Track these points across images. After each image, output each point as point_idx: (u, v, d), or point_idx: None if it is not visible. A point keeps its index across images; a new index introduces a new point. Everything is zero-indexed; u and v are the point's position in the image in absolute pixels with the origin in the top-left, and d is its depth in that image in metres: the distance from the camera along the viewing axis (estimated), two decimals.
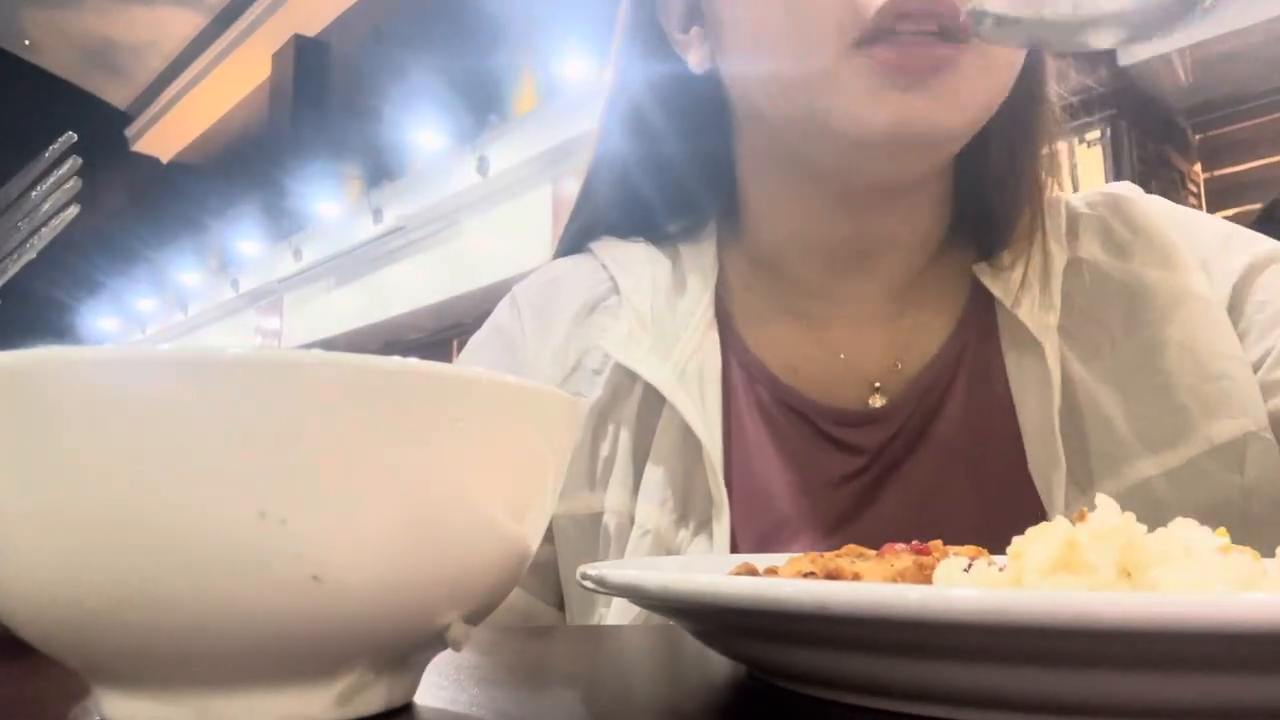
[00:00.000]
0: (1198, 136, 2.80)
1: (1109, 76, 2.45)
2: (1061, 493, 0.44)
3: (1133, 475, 0.45)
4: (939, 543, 0.31)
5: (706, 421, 0.47)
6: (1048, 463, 0.45)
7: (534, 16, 4.81)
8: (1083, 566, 0.22)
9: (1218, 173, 2.79)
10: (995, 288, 0.49)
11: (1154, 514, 0.44)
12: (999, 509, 0.46)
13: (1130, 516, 0.24)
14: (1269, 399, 0.45)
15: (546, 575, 0.51)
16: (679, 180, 0.54)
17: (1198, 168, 2.82)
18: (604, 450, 0.49)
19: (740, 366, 0.51)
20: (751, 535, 0.47)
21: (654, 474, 0.48)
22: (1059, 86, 0.51)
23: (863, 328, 0.51)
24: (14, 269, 0.33)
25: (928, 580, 0.26)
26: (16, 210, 0.33)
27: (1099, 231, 0.51)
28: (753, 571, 0.30)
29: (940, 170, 0.48)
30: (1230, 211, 2.73)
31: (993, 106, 0.45)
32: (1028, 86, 0.48)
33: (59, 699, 0.26)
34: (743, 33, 0.46)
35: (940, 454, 0.48)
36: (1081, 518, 0.24)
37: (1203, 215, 0.53)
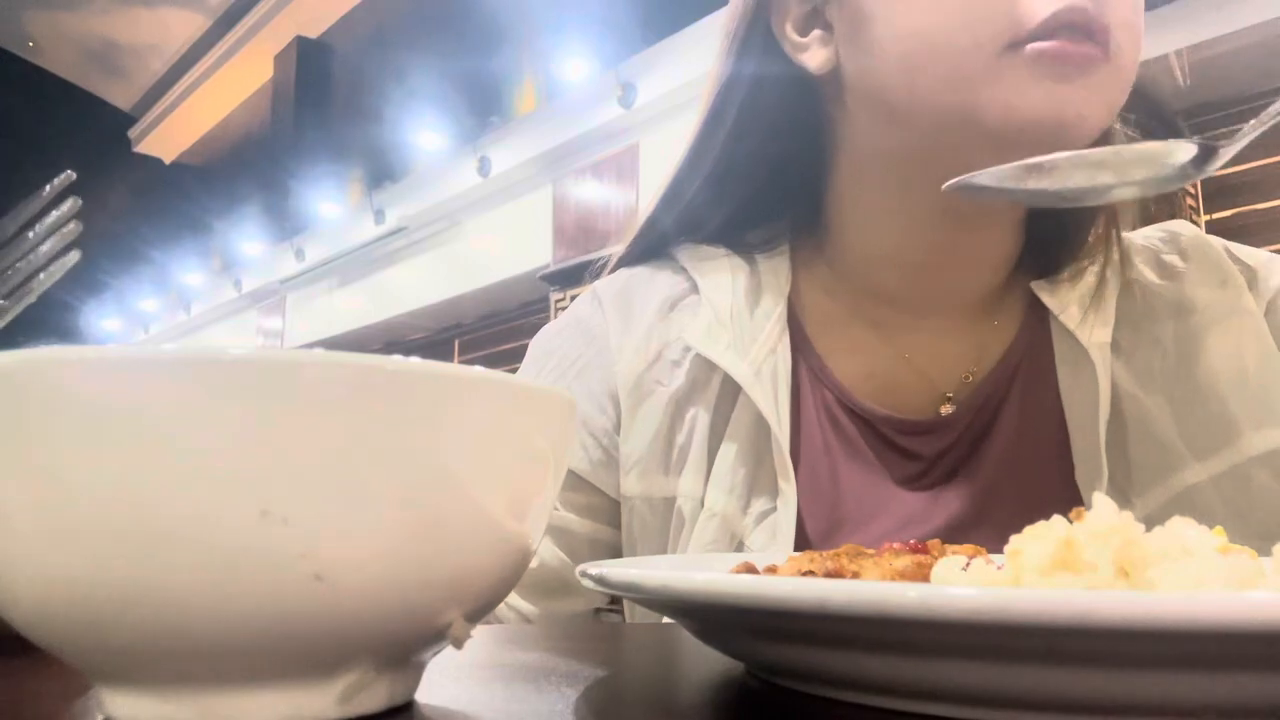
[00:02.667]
0: (1197, 137, 2.80)
1: None
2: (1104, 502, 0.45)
3: (1178, 484, 0.46)
4: (936, 542, 0.31)
5: (779, 415, 0.49)
6: (1092, 474, 0.47)
7: (534, 17, 4.81)
8: (1081, 565, 0.22)
9: (1215, 174, 2.79)
10: (1052, 303, 0.51)
11: (1199, 522, 0.45)
12: (1047, 518, 0.47)
13: (1128, 516, 0.24)
14: None
15: (608, 558, 0.53)
16: (767, 190, 0.56)
17: None
18: (680, 437, 0.51)
19: (809, 372, 0.53)
20: (816, 530, 0.49)
21: (725, 459, 0.50)
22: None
23: (939, 339, 0.53)
24: (15, 311, 0.33)
25: (926, 579, 0.26)
26: (14, 250, 0.33)
27: (1152, 259, 0.54)
28: (752, 570, 0.30)
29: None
30: (1228, 212, 2.73)
31: (1114, 114, 0.46)
32: None
33: (61, 697, 0.26)
34: (895, 32, 0.46)
35: (994, 462, 0.50)
36: (1079, 517, 0.24)
37: (1243, 247, 0.56)
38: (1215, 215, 2.78)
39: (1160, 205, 2.53)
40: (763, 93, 0.53)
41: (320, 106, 7.28)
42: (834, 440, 0.51)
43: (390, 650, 0.22)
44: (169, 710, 0.20)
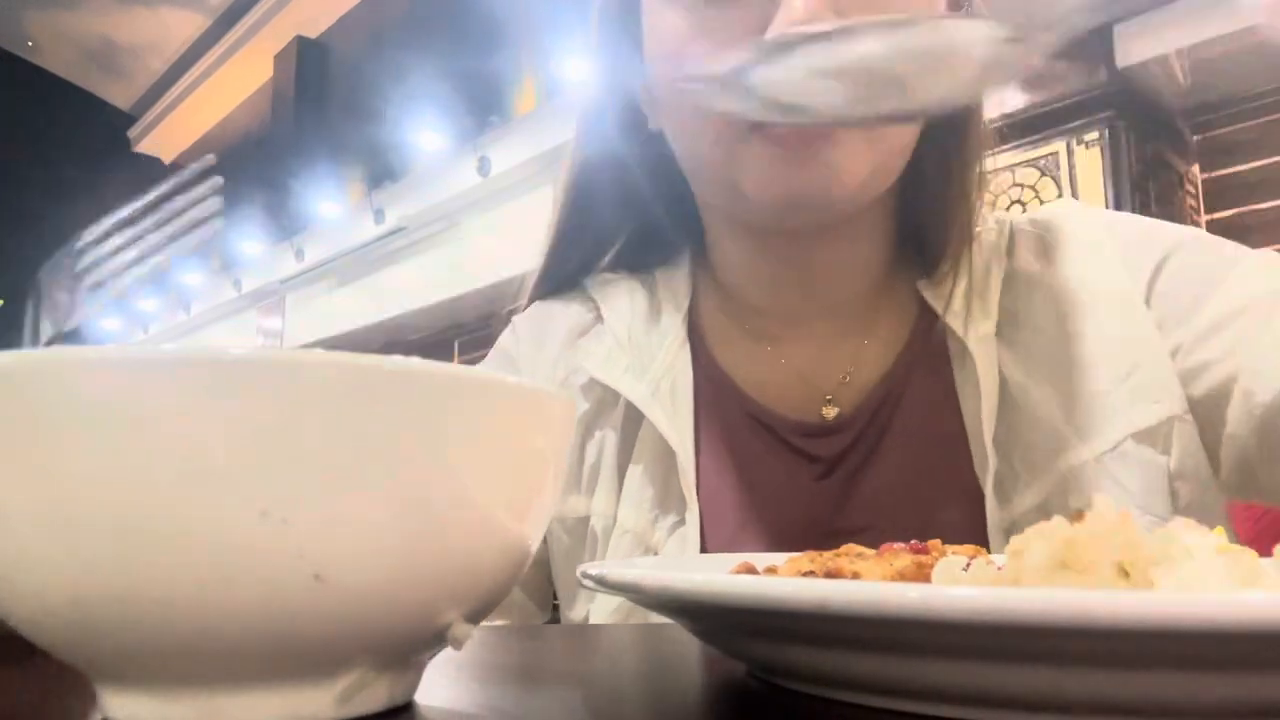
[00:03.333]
0: (1196, 138, 2.80)
1: (1107, 78, 2.45)
2: (989, 490, 0.47)
3: (1064, 465, 0.47)
4: (938, 542, 0.31)
5: (679, 430, 0.52)
6: (982, 464, 0.48)
7: (534, 17, 4.81)
8: (1081, 565, 0.22)
9: (1216, 174, 2.79)
10: (936, 303, 0.53)
11: (1089, 494, 0.45)
12: (949, 511, 0.49)
13: (1129, 516, 0.24)
14: (1185, 387, 0.48)
15: (539, 573, 0.57)
16: (654, 219, 0.59)
17: (1196, 169, 2.82)
18: (590, 458, 0.54)
19: (709, 382, 0.55)
20: (720, 535, 0.51)
21: (634, 479, 0.52)
22: (1044, 92, 0.55)
23: (814, 346, 0.55)
24: (139, 272, 0.33)
25: (927, 579, 0.26)
26: (149, 218, 0.33)
27: (1033, 243, 0.55)
28: (752, 570, 0.30)
29: (868, 206, 0.51)
30: (1228, 212, 2.73)
31: (889, 166, 0.48)
32: (951, 118, 0.51)
33: (60, 697, 0.26)
34: (662, 118, 0.52)
35: (894, 461, 0.51)
36: (1080, 517, 0.24)
37: (1129, 215, 0.56)
38: (1216, 215, 2.78)
39: (1161, 207, 2.53)
40: (628, 135, 0.57)
41: (320, 106, 7.28)
42: (738, 448, 0.53)
43: (390, 650, 0.22)
44: (168, 710, 0.20)
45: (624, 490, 0.52)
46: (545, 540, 0.55)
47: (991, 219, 0.56)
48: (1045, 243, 0.55)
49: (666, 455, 0.52)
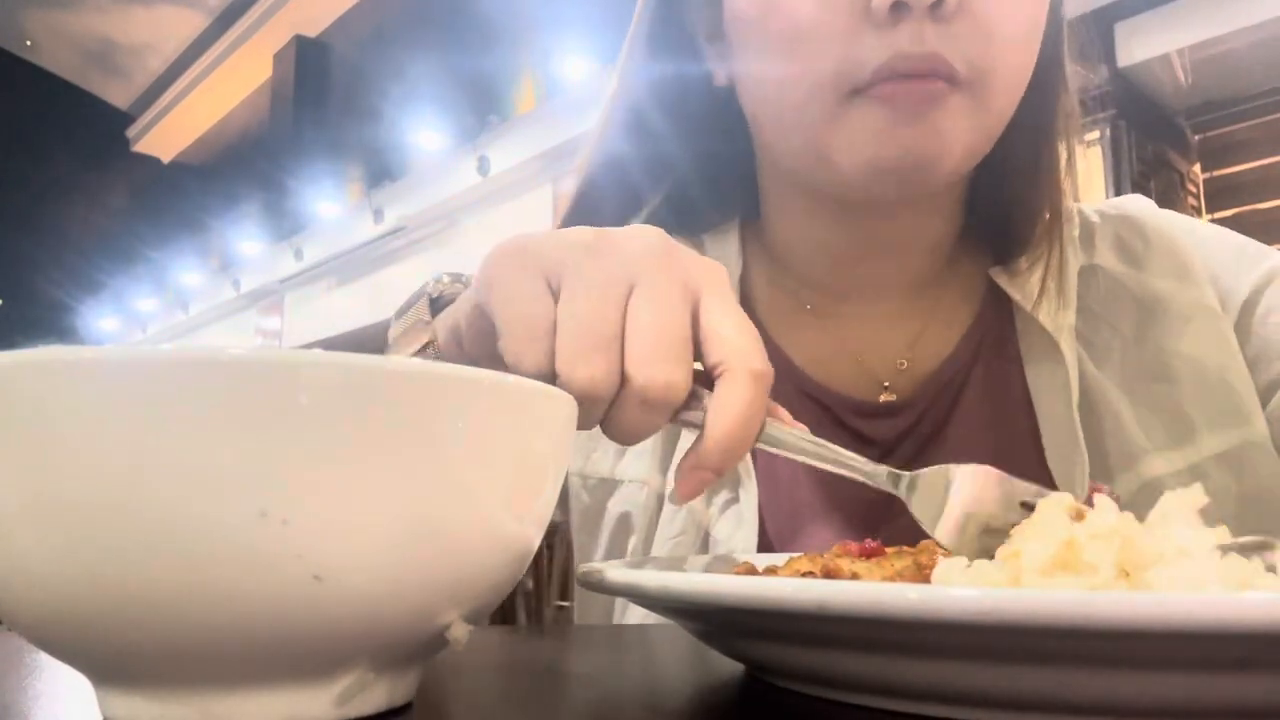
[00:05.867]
0: (1197, 137, 2.80)
1: (1108, 77, 2.45)
2: (1085, 484, 0.46)
3: (1146, 472, 0.47)
4: (931, 543, 0.31)
5: None
6: (1069, 457, 0.47)
7: (534, 16, 4.81)
8: (1081, 566, 0.22)
9: (1217, 173, 2.79)
10: (1013, 290, 0.50)
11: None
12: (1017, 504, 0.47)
13: (1129, 516, 0.24)
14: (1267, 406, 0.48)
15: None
16: (694, 184, 0.56)
17: (1197, 168, 2.82)
18: None
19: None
20: (779, 515, 0.49)
21: (685, 448, 0.49)
22: (1073, 88, 0.51)
23: (874, 326, 0.52)
24: None
25: (926, 580, 0.26)
26: None
27: (1113, 241, 0.53)
28: (753, 571, 0.30)
29: (953, 182, 0.49)
30: (1229, 212, 2.73)
31: (989, 140, 0.46)
32: (1044, 93, 0.49)
33: (59, 698, 0.26)
34: (753, 73, 0.47)
35: (956, 448, 0.49)
36: (1080, 517, 0.24)
37: (1215, 228, 0.54)
38: (1217, 214, 2.78)
39: (1161, 206, 2.53)
40: (680, 88, 0.53)
41: (319, 106, 7.28)
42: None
43: (389, 651, 0.22)
44: (168, 711, 0.20)
45: (675, 461, 0.49)
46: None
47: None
48: (1125, 242, 0.53)
49: None
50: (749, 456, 0.48)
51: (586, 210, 0.56)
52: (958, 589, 0.20)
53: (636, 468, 0.51)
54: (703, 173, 0.55)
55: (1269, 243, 0.53)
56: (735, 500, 0.49)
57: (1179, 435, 0.47)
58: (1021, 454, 0.48)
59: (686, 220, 0.56)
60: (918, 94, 0.42)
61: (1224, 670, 0.18)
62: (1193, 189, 2.79)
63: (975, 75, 0.42)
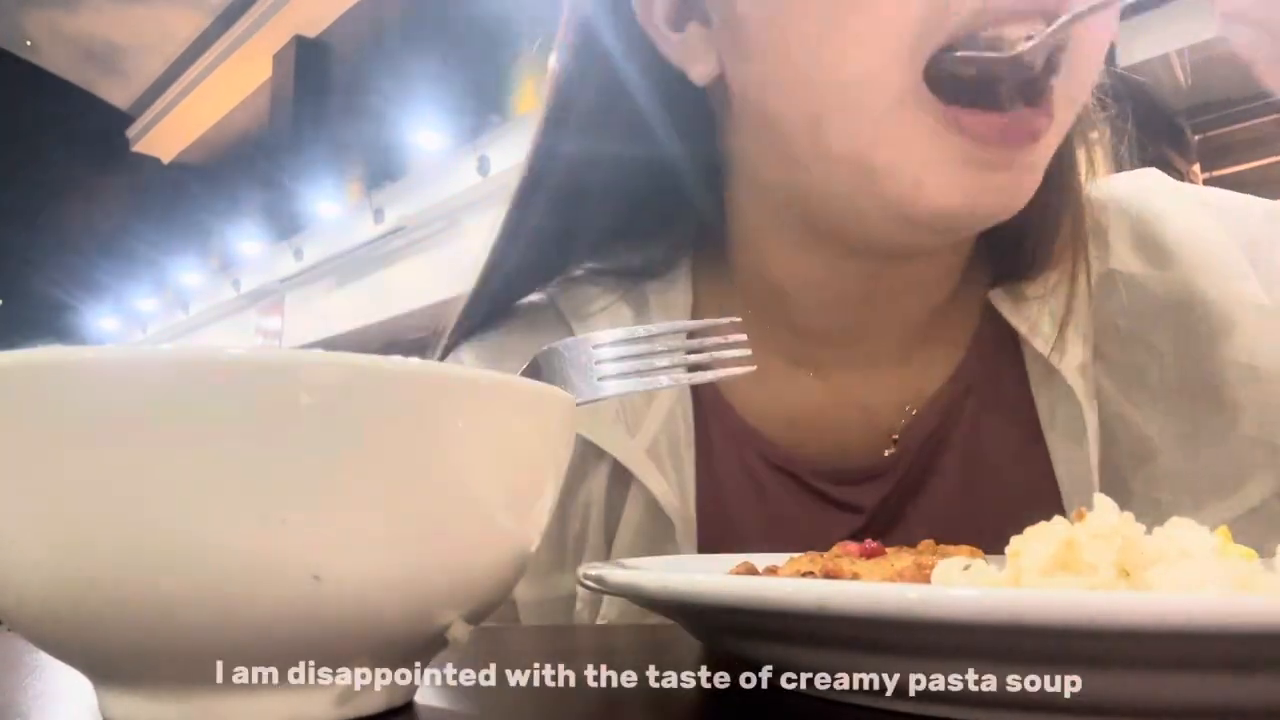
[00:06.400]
0: (1197, 137, 2.81)
1: (1108, 77, 2.45)
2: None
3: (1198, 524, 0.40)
4: (931, 542, 0.31)
5: (682, 494, 0.43)
6: (1086, 503, 0.40)
7: (534, 17, 4.81)
8: (1081, 566, 0.22)
9: (1217, 173, 2.79)
10: (1015, 318, 0.42)
11: None
12: None
13: (1129, 516, 0.24)
14: None
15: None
16: (646, 205, 0.46)
17: (1197, 168, 2.82)
18: (574, 527, 0.45)
19: (721, 425, 0.45)
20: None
21: (623, 539, 0.43)
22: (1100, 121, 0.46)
23: (873, 372, 0.44)
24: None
25: (927, 580, 0.26)
26: (660, 341, 0.30)
27: (1129, 234, 0.44)
28: (753, 571, 0.30)
29: None
30: None
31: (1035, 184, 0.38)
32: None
33: (59, 699, 0.26)
34: (774, 42, 0.36)
35: (937, 504, 0.43)
36: (1080, 517, 0.24)
37: (1234, 196, 0.46)
38: None
39: None
40: (617, 91, 0.43)
41: (319, 106, 7.28)
42: (755, 505, 0.44)
43: (389, 651, 0.22)
44: (167, 711, 0.20)
45: (613, 554, 0.44)
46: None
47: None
48: (1141, 233, 0.44)
49: (663, 526, 0.42)
50: (694, 551, 0.43)
51: (498, 284, 0.48)
52: (958, 589, 0.20)
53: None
54: (647, 205, 0.46)
55: None
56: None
57: (1236, 478, 0.39)
58: (1036, 494, 0.41)
59: (624, 269, 0.47)
60: (1021, 133, 0.34)
61: (1224, 670, 0.18)
62: None
63: (1063, 111, 0.35)
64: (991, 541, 0.39)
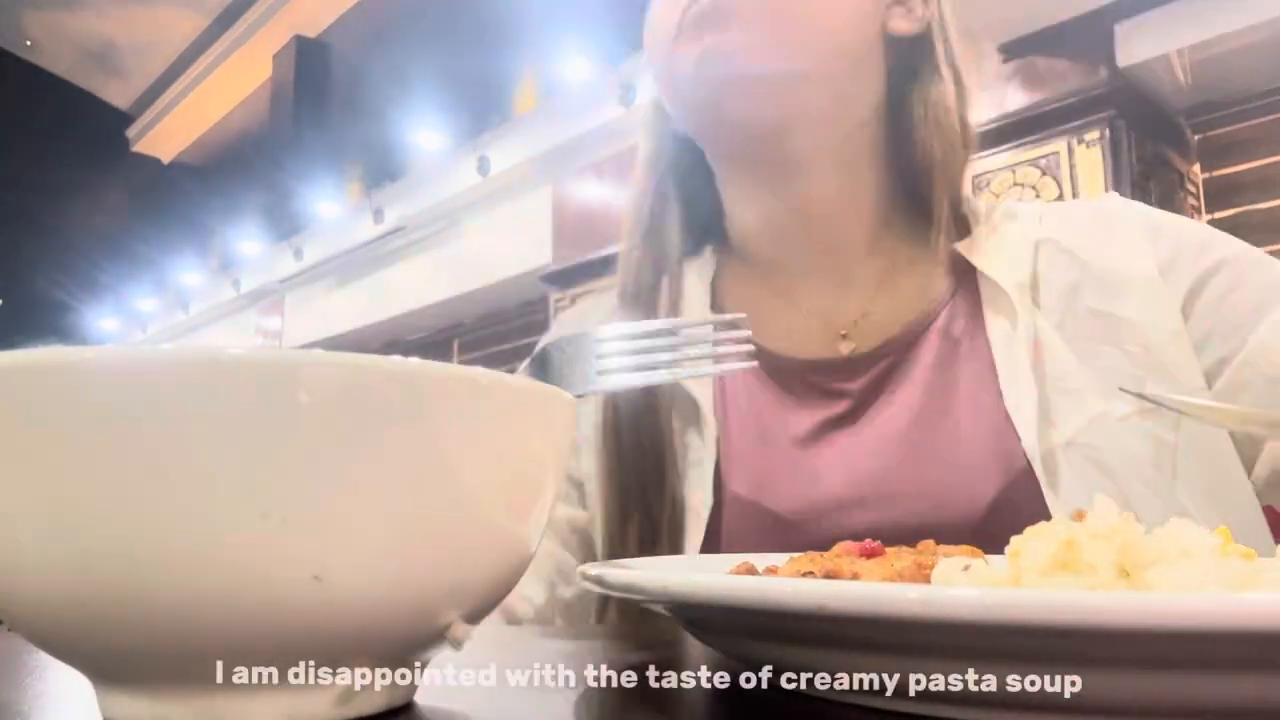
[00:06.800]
0: (1197, 137, 2.80)
1: (1108, 77, 2.45)
2: (1034, 422, 0.50)
3: (1092, 409, 0.51)
4: (931, 542, 0.31)
5: (700, 384, 0.57)
6: (1021, 395, 0.51)
7: (534, 17, 4.81)
8: (1081, 566, 0.22)
9: (1216, 173, 2.79)
10: (969, 252, 0.57)
11: (1113, 444, 0.48)
12: (980, 440, 0.52)
13: (1129, 516, 0.24)
14: (1231, 397, 0.51)
15: (582, 539, 0.59)
16: (692, 215, 0.65)
17: (1197, 168, 2.82)
18: None
19: None
20: (748, 477, 0.54)
21: None
22: (1045, 91, 0.59)
23: (828, 289, 0.59)
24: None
25: (927, 580, 0.26)
26: (669, 338, 0.34)
27: (1072, 222, 0.58)
28: (752, 571, 0.30)
29: (844, 146, 0.57)
30: (1229, 212, 2.73)
31: (816, 93, 0.54)
32: (924, 87, 0.57)
33: (59, 699, 0.26)
34: (660, 85, 0.60)
35: (919, 393, 0.54)
36: (1080, 517, 0.24)
37: (1181, 220, 0.58)
38: (1217, 214, 2.78)
39: (1161, 206, 2.52)
40: (665, 116, 0.63)
41: (319, 106, 7.28)
42: (759, 396, 0.57)
43: (389, 651, 0.22)
44: (167, 711, 0.20)
45: None
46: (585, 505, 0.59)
47: (1017, 196, 0.61)
48: (1083, 223, 0.58)
49: (692, 408, 0.56)
50: (710, 418, 0.55)
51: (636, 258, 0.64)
52: (958, 589, 0.20)
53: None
54: (700, 208, 0.64)
55: (1269, 243, 0.54)
56: (700, 463, 0.54)
57: (1115, 389, 0.51)
58: (984, 398, 0.53)
59: (666, 252, 0.64)
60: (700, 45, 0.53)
61: (1224, 670, 0.18)
62: (1193, 189, 2.79)
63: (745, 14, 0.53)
64: (956, 426, 0.52)
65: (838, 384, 0.56)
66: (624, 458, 0.56)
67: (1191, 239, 0.55)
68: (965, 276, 0.58)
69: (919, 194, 0.59)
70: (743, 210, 0.62)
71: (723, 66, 0.53)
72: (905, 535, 0.36)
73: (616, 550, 0.55)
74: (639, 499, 0.55)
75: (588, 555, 0.59)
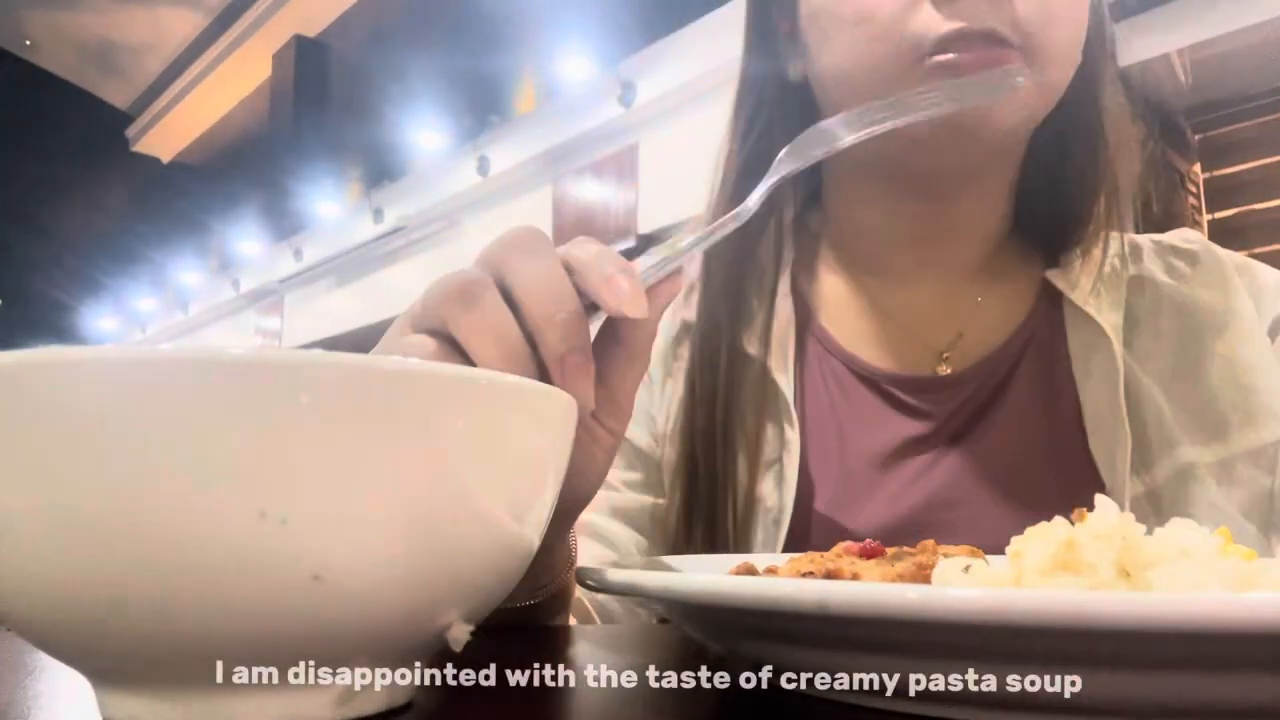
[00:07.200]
0: (1197, 137, 2.81)
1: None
2: (1126, 467, 0.48)
3: (1182, 459, 0.49)
4: (931, 542, 0.31)
5: (788, 375, 0.54)
6: (1112, 439, 0.49)
7: (534, 16, 4.81)
8: (1082, 566, 0.22)
9: (1217, 173, 2.79)
10: (1062, 284, 0.54)
11: (1199, 493, 0.47)
12: (1060, 480, 0.50)
13: (1129, 516, 0.24)
14: None
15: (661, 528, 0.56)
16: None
17: (1197, 168, 2.82)
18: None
19: (815, 340, 0.56)
20: (825, 484, 0.52)
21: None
22: (1136, 125, 0.56)
23: (931, 305, 0.56)
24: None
25: (927, 580, 0.26)
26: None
27: (1161, 260, 0.57)
28: (752, 571, 0.30)
29: (1003, 163, 0.53)
30: (1229, 212, 2.73)
31: (1047, 104, 0.49)
32: (1085, 101, 0.53)
33: (59, 699, 0.26)
34: (821, 50, 0.52)
35: (1004, 426, 0.52)
36: (1081, 518, 0.24)
37: (1259, 263, 0.57)
38: (1217, 215, 2.78)
39: (1162, 206, 2.53)
40: (769, 84, 0.57)
41: (318, 106, 7.28)
42: (841, 403, 0.54)
43: (389, 651, 0.22)
44: (167, 711, 0.20)
45: None
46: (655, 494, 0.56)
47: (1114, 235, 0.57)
48: (1173, 262, 0.56)
49: (771, 398, 0.53)
50: (793, 413, 0.52)
51: (729, 194, 0.59)
52: (958, 589, 0.20)
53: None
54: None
55: (1268, 242, 0.54)
56: (778, 460, 0.51)
57: (1212, 431, 0.50)
58: (1066, 436, 0.51)
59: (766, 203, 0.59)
60: (972, 65, 0.45)
61: (1224, 670, 0.18)
62: (1193, 189, 2.79)
63: (1029, 42, 0.46)
64: (1038, 465, 0.50)
65: (925, 404, 0.53)
66: (696, 442, 0.53)
67: (1268, 280, 0.55)
68: (1053, 306, 0.55)
69: (1045, 214, 0.56)
70: (859, 209, 0.57)
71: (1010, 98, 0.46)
72: None
73: (680, 545, 0.53)
74: (707, 490, 0.52)
75: (665, 546, 0.56)
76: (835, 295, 0.58)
